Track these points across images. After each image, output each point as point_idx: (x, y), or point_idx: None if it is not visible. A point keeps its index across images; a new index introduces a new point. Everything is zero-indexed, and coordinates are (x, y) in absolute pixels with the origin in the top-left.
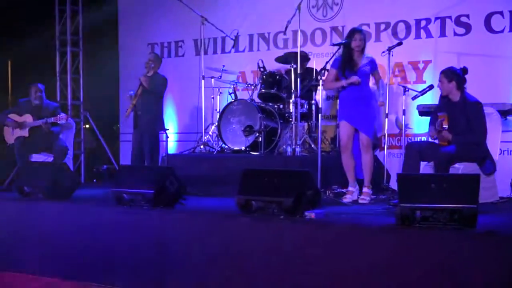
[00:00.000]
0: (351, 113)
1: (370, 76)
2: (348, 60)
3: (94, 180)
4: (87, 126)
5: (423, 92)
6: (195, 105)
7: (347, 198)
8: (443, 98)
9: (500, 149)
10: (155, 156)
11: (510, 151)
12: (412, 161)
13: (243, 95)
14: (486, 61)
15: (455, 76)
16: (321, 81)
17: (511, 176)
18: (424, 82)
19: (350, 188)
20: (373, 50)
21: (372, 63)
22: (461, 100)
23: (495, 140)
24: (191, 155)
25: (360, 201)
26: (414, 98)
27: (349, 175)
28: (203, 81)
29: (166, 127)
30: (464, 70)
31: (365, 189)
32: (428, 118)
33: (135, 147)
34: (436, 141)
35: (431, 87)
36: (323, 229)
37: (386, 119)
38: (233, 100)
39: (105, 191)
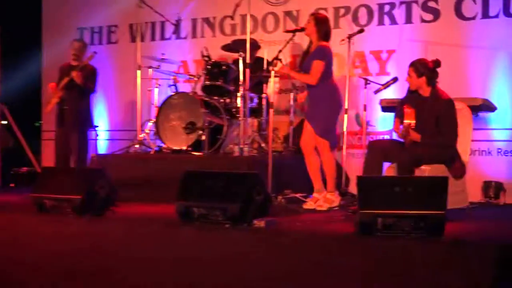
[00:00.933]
0: (309, 111)
1: (331, 67)
2: (306, 50)
3: (12, 185)
4: (5, 122)
5: (386, 85)
6: (130, 99)
7: (308, 205)
8: (412, 92)
9: (470, 149)
10: (82, 156)
11: (482, 151)
12: (374, 162)
13: (184, 87)
14: (456, 51)
15: (425, 70)
16: (273, 72)
17: (482, 179)
18: (388, 74)
19: (314, 194)
20: (332, 38)
21: (316, 51)
22: (431, 97)
23: (465, 139)
24: (125, 155)
25: (317, 207)
26: (376, 91)
27: (314, 179)
28: (139, 71)
29: (95, 123)
30: (437, 63)
31: (327, 195)
32: (392, 115)
33: (59, 147)
34: (400, 139)
35: (395, 79)
36: (273, 239)
37: (346, 116)
38: (173, 93)
39: (25, 197)
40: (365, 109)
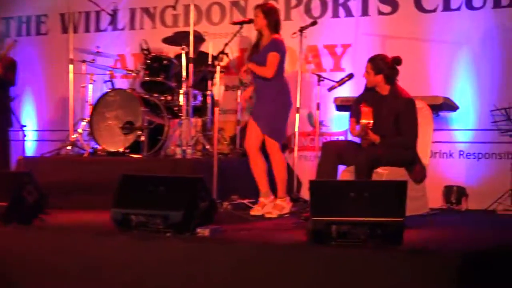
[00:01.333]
0: (256, 109)
1: (284, 62)
2: (254, 44)
3: None
4: None
5: (341, 82)
6: (61, 96)
7: (255, 211)
8: (369, 89)
9: (431, 151)
10: (6, 159)
11: (443, 153)
12: (328, 165)
13: (122, 83)
14: (415, 45)
15: (385, 67)
16: (218, 67)
17: (443, 183)
18: (343, 70)
19: (261, 199)
20: (282, 30)
21: (271, 44)
22: (390, 95)
23: (425, 141)
24: (55, 158)
25: (266, 215)
26: (330, 89)
27: (260, 182)
28: (71, 66)
29: (23, 123)
30: (397, 60)
31: (278, 201)
32: (347, 114)
33: None
34: (356, 140)
35: (350, 76)
36: (218, 249)
37: (297, 115)
38: (109, 90)
39: None
40: (318, 108)
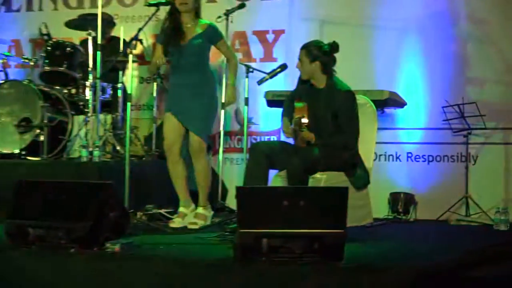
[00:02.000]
0: (178, 104)
1: (210, 52)
2: (174, 29)
3: None
4: None
5: (273, 74)
6: None
7: (176, 223)
8: (303, 82)
9: (375, 153)
10: None
11: (389, 155)
12: (257, 170)
13: (17, 74)
14: (357, 32)
15: (320, 54)
16: (131, 56)
17: (389, 190)
18: (275, 60)
19: (181, 209)
20: (205, 14)
21: (210, 32)
22: (327, 87)
23: (368, 141)
24: None
25: (189, 226)
26: (260, 82)
27: (179, 190)
28: None
29: None
30: (333, 46)
31: (199, 210)
32: (280, 111)
33: None
34: (291, 141)
35: (284, 67)
36: (131, 267)
37: (223, 111)
38: (1, 82)
39: None
40: (246, 104)
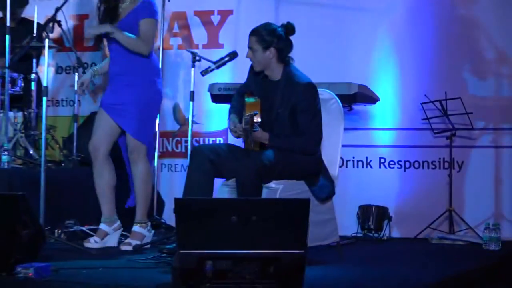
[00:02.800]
0: (110, 96)
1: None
2: (106, 9)
3: None
4: None
5: (219, 64)
6: None
7: (91, 242)
8: (256, 73)
9: (341, 158)
10: None
11: (358, 161)
12: (200, 178)
13: None
14: (320, 14)
15: (274, 39)
16: (47, 41)
17: (358, 202)
18: (221, 46)
19: (101, 227)
20: None
21: (140, 7)
22: (284, 79)
23: (333, 144)
24: None
25: (122, 247)
26: (205, 73)
27: (103, 201)
28: None
29: None
30: (288, 28)
31: (135, 228)
32: (227, 107)
33: None
34: (241, 143)
35: (233, 55)
36: None
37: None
38: None
39: None
40: (192, 99)
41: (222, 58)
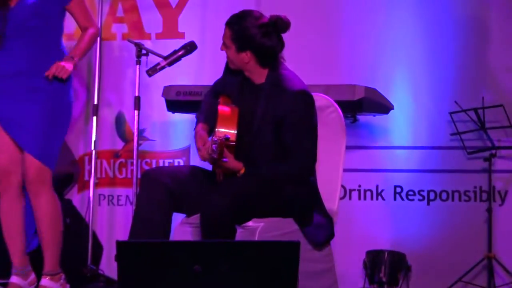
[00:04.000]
0: (6, 108)
1: (62, 22)
2: None
3: None
4: None
5: (173, 60)
6: None
7: None
8: (233, 73)
9: (343, 187)
10: None
11: (366, 191)
12: (153, 213)
13: None
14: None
15: (252, 41)
16: None
17: (365, 247)
18: (182, 36)
19: (13, 280)
20: None
21: None
22: (269, 85)
23: (332, 168)
24: None
25: None
26: (152, 72)
27: (13, 247)
28: None
29: None
30: (279, 24)
31: (44, 282)
32: (192, 119)
33: None
34: (209, 167)
35: (191, 48)
36: None
37: (94, 118)
38: None
39: None
40: (137, 107)
41: (175, 52)
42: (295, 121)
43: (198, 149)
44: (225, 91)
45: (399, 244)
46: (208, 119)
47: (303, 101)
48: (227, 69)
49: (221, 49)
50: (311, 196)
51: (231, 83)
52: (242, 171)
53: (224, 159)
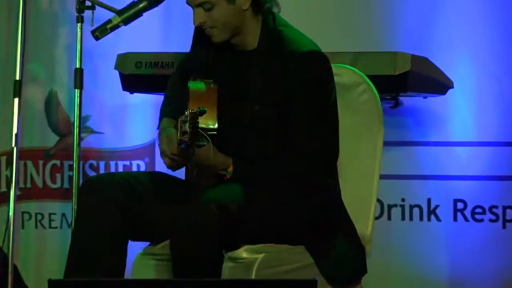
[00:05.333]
0: None
1: None
2: None
3: None
4: None
5: (128, 15)
6: None
7: None
8: (208, 45)
9: (379, 201)
10: None
11: (413, 208)
12: (100, 240)
13: None
14: None
15: None
16: None
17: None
18: None
19: None
20: None
21: None
22: (265, 48)
23: (365, 174)
24: None
25: None
26: (100, 33)
27: None
28: None
29: None
30: None
31: None
32: (156, 99)
33: None
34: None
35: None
36: None
37: (16, 102)
38: None
39: None
40: (78, 85)
41: (133, 4)
42: (306, 99)
43: (163, 154)
44: (198, 69)
45: (460, 284)
46: (176, 112)
47: (315, 67)
48: (198, 40)
49: (197, 23)
50: (332, 214)
51: (207, 56)
52: (231, 169)
53: (200, 143)
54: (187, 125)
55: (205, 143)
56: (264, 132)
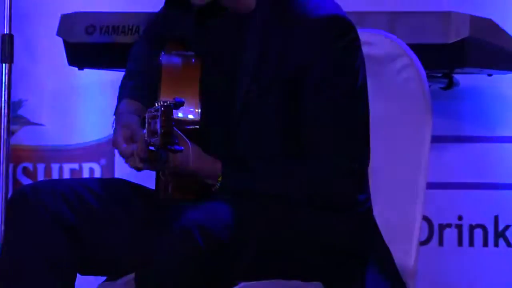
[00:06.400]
0: None
1: None
2: None
3: None
4: None
5: None
6: None
7: None
8: (187, 5)
9: (427, 219)
10: None
11: (475, 229)
12: (34, 272)
13: None
14: None
15: None
16: None
17: None
18: None
19: None
20: None
21: None
22: (266, 10)
23: (406, 181)
24: None
25: None
26: None
27: None
28: None
29: None
30: None
31: None
32: (114, 80)
33: None
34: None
35: None
36: None
37: None
38: None
39: None
40: (7, 58)
41: None
42: (322, 82)
43: (121, 152)
44: (173, 38)
45: None
46: (141, 90)
47: (339, 39)
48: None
49: None
50: (361, 238)
51: (183, 20)
52: (220, 178)
53: (177, 147)
54: (158, 122)
55: (183, 148)
56: (264, 124)
